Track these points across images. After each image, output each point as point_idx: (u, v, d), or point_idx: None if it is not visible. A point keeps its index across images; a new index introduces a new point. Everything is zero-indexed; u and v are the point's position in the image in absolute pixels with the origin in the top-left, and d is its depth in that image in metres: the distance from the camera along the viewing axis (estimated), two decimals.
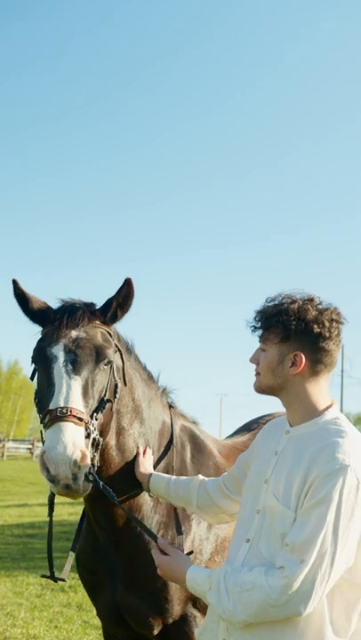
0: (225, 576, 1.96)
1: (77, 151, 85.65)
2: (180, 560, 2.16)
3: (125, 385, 2.63)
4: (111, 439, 2.59)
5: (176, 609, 2.69)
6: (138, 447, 2.68)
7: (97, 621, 5.99)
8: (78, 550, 2.98)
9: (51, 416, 2.23)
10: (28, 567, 8.25)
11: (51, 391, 2.33)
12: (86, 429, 2.26)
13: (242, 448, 3.24)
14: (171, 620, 2.70)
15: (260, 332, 2.11)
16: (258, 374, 2.11)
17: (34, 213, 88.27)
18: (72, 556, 2.73)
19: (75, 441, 2.18)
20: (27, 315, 2.60)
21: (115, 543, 2.70)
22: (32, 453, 38.25)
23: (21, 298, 2.59)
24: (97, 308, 2.61)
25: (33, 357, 2.49)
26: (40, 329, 2.58)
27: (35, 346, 2.51)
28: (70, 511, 13.88)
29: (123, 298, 2.57)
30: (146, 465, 2.67)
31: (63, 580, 2.59)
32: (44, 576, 2.62)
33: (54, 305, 2.63)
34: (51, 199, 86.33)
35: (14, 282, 2.57)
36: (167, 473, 2.78)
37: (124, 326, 2.82)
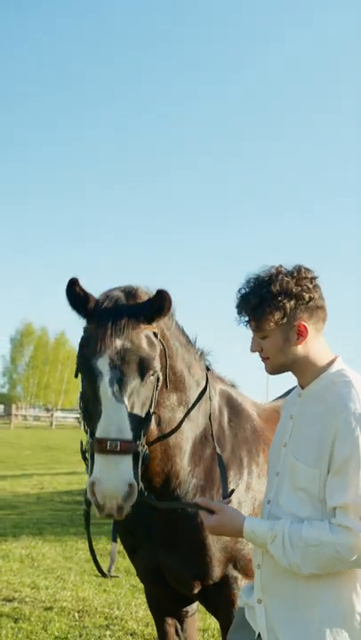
0: (288, 531, 2.02)
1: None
2: (230, 514, 2.17)
3: (167, 386, 2.60)
4: None
5: (216, 570, 2.72)
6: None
7: None
8: None
9: (100, 446, 2.21)
10: (77, 533, 8.42)
11: (98, 410, 2.29)
12: (134, 454, 2.25)
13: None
14: (211, 582, 2.74)
15: (252, 323, 2.13)
16: (266, 359, 2.16)
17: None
18: (115, 546, 2.77)
19: (123, 476, 2.20)
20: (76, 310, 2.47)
21: (152, 505, 2.70)
22: (80, 422, 38.88)
23: (77, 296, 2.44)
24: (140, 303, 2.46)
25: (77, 364, 2.42)
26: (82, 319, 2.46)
27: (78, 351, 2.42)
28: None
29: (157, 307, 2.43)
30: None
31: (117, 576, 2.76)
32: (98, 574, 2.71)
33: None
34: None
35: (72, 281, 2.41)
36: (205, 439, 2.77)
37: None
